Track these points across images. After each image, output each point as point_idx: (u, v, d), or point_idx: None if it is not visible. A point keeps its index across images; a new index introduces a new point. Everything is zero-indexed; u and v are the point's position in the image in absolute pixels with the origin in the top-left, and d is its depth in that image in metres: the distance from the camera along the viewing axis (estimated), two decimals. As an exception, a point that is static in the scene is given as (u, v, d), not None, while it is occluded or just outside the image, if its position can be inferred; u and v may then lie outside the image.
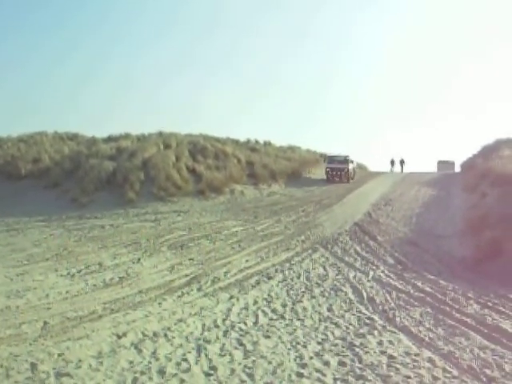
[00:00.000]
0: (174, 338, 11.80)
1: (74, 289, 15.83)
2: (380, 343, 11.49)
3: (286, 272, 18.15)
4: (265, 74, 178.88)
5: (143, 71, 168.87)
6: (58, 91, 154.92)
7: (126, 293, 15.53)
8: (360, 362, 10.44)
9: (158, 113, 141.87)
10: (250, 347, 11.28)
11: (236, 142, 50.80)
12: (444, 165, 68.49)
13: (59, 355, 10.55)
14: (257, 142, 54.02)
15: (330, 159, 49.47)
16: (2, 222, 30.32)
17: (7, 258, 20.35)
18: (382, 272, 17.96)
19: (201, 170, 39.24)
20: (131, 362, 10.33)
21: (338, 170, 47.41)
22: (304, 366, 10.30)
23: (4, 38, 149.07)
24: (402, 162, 65.68)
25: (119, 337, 11.75)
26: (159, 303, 14.52)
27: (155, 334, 11.97)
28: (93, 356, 10.60)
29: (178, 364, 10.28)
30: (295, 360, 10.59)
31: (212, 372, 9.96)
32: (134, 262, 19.36)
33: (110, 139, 47.24)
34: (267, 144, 54.29)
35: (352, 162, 49.98)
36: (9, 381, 9.36)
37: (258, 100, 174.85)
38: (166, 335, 11.93)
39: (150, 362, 10.34)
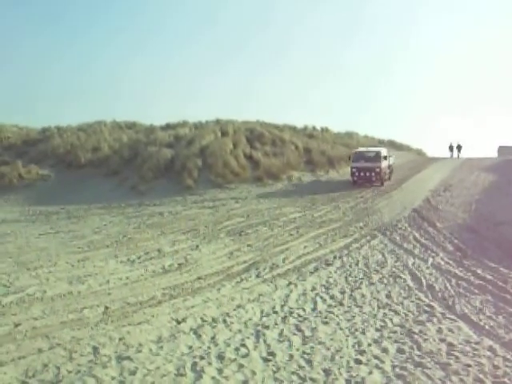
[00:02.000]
0: (232, 323, 11.83)
1: (134, 275, 15.99)
2: (439, 331, 11.30)
3: (345, 258, 17.98)
4: (321, 61, 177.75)
5: (200, 58, 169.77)
6: (119, 81, 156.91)
7: (185, 279, 15.62)
8: (419, 350, 10.29)
9: (215, 100, 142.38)
10: (308, 333, 11.23)
11: (293, 129, 50.58)
12: (505, 150, 66.78)
13: (120, 339, 10.69)
14: (314, 128, 53.70)
15: (357, 156, 38.09)
16: (63, 209, 30.91)
17: (68, 244, 20.70)
18: (442, 259, 17.62)
19: (258, 157, 39.18)
20: (190, 347, 10.40)
21: (367, 170, 36.55)
22: (362, 352, 10.21)
23: (76, 36, 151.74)
24: (459, 148, 64.25)
25: (178, 322, 11.86)
26: (218, 289, 14.57)
27: (214, 320, 12.03)
28: (153, 341, 10.71)
29: (237, 349, 10.31)
30: (353, 347, 10.51)
31: (270, 358, 9.95)
32: (192, 249, 19.45)
33: (167, 127, 47.59)
34: (324, 130, 53.92)
35: (387, 157, 38.23)
36: (72, 363, 9.53)
37: (316, 87, 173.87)
38: (224, 321, 11.98)
39: (209, 347, 10.38)
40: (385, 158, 37.56)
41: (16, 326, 11.57)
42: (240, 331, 11.32)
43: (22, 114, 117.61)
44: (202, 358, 9.85)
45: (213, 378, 9.05)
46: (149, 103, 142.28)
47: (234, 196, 33.02)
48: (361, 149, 40.99)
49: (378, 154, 37.51)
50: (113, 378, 8.91)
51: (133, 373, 9.14)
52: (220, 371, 9.30)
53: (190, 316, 12.23)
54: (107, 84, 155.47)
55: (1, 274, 16.01)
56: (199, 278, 15.67)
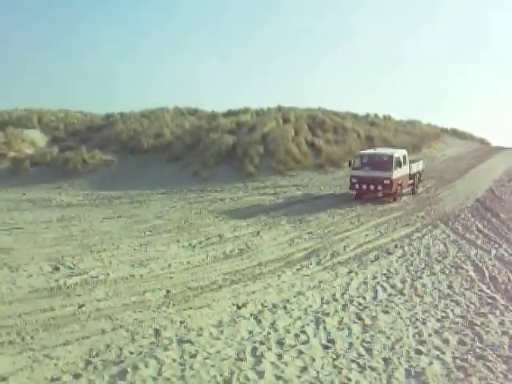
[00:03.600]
0: (292, 310, 11.82)
1: (195, 259, 16.14)
2: (502, 323, 11.07)
3: (406, 248, 17.75)
4: (383, 50, 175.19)
5: (262, 45, 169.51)
6: (178, 67, 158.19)
7: (246, 264, 15.69)
8: (481, 342, 10.10)
9: (277, 87, 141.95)
10: (368, 322, 11.16)
11: (355, 117, 50.03)
12: None
13: (181, 323, 10.81)
14: (376, 116, 53.02)
15: (361, 160, 28.38)
16: (126, 194, 31.39)
17: (131, 229, 21.01)
18: (505, 250, 17.21)
19: (320, 145, 38.93)
20: (250, 332, 10.44)
21: (372, 182, 26.78)
22: (423, 342, 10.09)
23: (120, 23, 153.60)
24: None
25: (239, 307, 11.92)
26: (278, 275, 14.58)
27: (274, 306, 12.04)
28: (213, 325, 10.79)
29: (297, 336, 10.30)
30: (414, 336, 10.39)
31: (330, 345, 9.93)
32: (253, 235, 19.50)
33: (229, 114, 47.70)
34: (387, 118, 53.18)
35: (405, 163, 28.03)
36: (134, 345, 9.68)
37: (378, 75, 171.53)
38: (285, 307, 11.98)
39: (269, 333, 10.40)
40: (400, 163, 27.30)
41: (80, 306, 11.84)
42: (300, 318, 11.31)
43: (87, 100, 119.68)
44: (261, 343, 9.88)
45: (272, 363, 9.07)
46: (210, 90, 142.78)
47: (296, 183, 32.91)
48: (368, 151, 30.49)
49: (390, 158, 27.03)
50: (174, 361, 9.01)
51: (193, 356, 9.23)
52: (279, 357, 9.32)
53: (251, 301, 12.28)
54: (168, 71, 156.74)
55: (66, 256, 16.37)
56: (260, 264, 15.72)
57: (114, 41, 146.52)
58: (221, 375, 8.50)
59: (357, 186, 27.08)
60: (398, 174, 26.87)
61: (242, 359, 9.15)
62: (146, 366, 8.72)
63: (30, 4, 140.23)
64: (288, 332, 10.49)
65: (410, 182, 29.00)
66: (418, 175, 29.82)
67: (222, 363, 8.94)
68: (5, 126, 45.72)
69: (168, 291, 12.99)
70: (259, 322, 11.05)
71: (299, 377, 8.61)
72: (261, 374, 8.62)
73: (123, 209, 26.30)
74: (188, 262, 15.81)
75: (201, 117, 48.23)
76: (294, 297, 12.76)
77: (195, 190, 32.09)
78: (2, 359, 8.89)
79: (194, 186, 33.26)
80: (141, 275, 14.47)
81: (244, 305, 12.05)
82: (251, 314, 11.48)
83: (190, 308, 11.75)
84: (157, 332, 10.31)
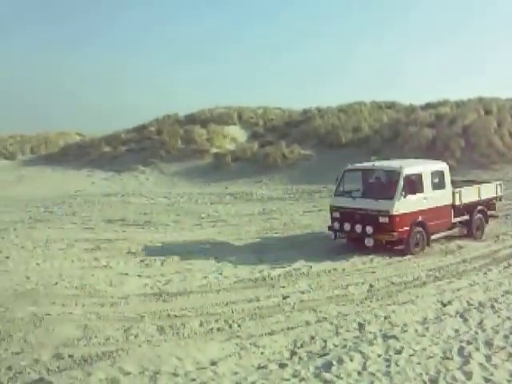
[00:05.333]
0: (501, 309, 11.27)
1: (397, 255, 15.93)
2: None
3: None
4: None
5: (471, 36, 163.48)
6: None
7: (450, 261, 15.26)
8: None
9: (477, 77, 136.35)
10: None
11: None
12: None
13: (385, 318, 10.69)
14: None
15: (349, 179, 18.17)
16: (326, 188, 31.53)
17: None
18: None
19: (527, 137, 36.79)
20: (457, 331, 10.09)
21: (360, 220, 16.50)
22: None
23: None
24: None
25: (444, 304, 11.58)
26: (484, 273, 13.99)
27: (481, 304, 11.55)
28: (418, 321, 10.56)
29: (506, 337, 9.78)
30: None
31: (545, 350, 9.28)
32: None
33: (428, 106, 46.47)
34: None
35: (439, 184, 17.43)
36: (338, 338, 9.72)
37: None
38: (492, 306, 11.44)
39: (476, 333, 9.98)
40: (420, 186, 16.71)
41: (284, 298, 12.11)
42: (509, 318, 10.73)
43: (284, 96, 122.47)
44: (469, 342, 9.48)
45: (480, 364, 8.65)
46: (407, 82, 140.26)
47: (499, 177, 31.31)
48: (364, 164, 19.46)
49: (394, 176, 16.67)
50: (379, 356, 8.91)
51: (398, 352, 9.06)
52: (488, 358, 8.86)
53: (456, 299, 11.86)
54: (361, 65, 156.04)
55: (267, 248, 16.86)
56: (464, 261, 15.20)
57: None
58: (427, 373, 8.25)
59: (337, 222, 17.08)
60: (410, 204, 16.20)
61: (448, 358, 8.83)
62: (351, 360, 8.68)
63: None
64: (496, 333, 9.97)
65: (458, 219, 17.98)
66: (482, 206, 18.64)
67: (428, 361, 8.69)
68: (207, 123, 48.08)
69: (371, 285, 12.94)
70: (465, 320, 10.62)
71: (510, 381, 8.15)
72: (468, 375, 8.23)
73: (323, 202, 26.47)
74: (390, 257, 15.63)
75: (398, 110, 47.34)
76: (502, 296, 12.13)
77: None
78: (212, 345, 9.28)
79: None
80: (343, 269, 14.57)
81: (449, 302, 11.65)
82: (457, 312, 11.07)
83: (394, 303, 11.58)
84: (361, 326, 10.26)
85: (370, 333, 9.91)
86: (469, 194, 18.09)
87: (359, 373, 8.30)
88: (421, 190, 16.63)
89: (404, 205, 16.03)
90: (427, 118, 41.09)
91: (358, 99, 51.43)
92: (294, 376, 8.11)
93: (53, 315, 10.20)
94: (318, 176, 35.31)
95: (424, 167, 17.53)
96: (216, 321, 10.63)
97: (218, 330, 10.18)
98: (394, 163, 18.27)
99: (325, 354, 8.97)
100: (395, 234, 15.89)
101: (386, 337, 9.70)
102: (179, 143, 45.36)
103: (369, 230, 16.08)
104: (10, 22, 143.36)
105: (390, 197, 16.04)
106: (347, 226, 16.58)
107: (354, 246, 16.91)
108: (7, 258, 15.35)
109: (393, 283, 13.15)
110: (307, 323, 10.48)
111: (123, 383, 7.39)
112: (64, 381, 7.31)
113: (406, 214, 16.08)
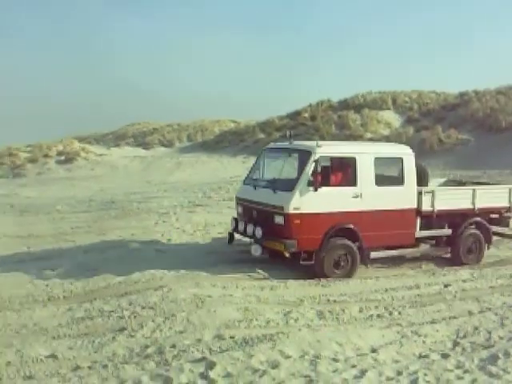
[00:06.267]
0: None
1: None
2: None
3: None
4: None
5: None
6: None
7: None
8: None
9: None
10: None
11: None
12: None
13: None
14: None
15: (264, 161, 13.48)
16: (484, 174, 30.51)
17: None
18: None
19: None
20: None
21: (257, 217, 12.44)
22: None
23: None
24: None
25: None
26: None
27: None
28: None
29: None
30: None
31: None
32: None
33: None
34: None
35: (402, 178, 12.64)
36: (503, 329, 9.33)
37: None
38: None
39: None
40: (339, 174, 12.21)
41: (445, 286, 11.84)
42: None
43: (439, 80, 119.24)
44: None
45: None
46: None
47: None
48: (283, 143, 14.02)
49: (304, 158, 11.98)
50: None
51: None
52: None
53: None
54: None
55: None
56: None
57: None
58: None
59: (233, 222, 13.26)
60: (327, 202, 11.70)
61: None
62: (517, 353, 8.35)
63: None
64: None
65: (428, 232, 13.43)
66: (480, 218, 13.93)
67: None
68: (361, 108, 48.05)
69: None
70: None
71: None
72: None
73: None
74: None
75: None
76: None
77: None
78: (372, 331, 9.22)
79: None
80: (508, 258, 14.10)
81: None
82: None
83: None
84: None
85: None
86: (451, 198, 13.45)
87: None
88: (352, 183, 12.03)
89: (313, 201, 11.52)
90: None
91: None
92: (458, 367, 7.85)
93: (214, 297, 10.47)
94: (477, 161, 34.26)
95: (362, 149, 12.73)
96: (376, 307, 10.54)
97: (378, 316, 10.09)
98: (308, 144, 13.18)
99: (489, 346, 8.64)
100: (291, 242, 11.41)
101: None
102: (333, 129, 45.47)
103: (258, 232, 11.91)
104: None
105: (290, 188, 11.70)
106: (241, 226, 12.70)
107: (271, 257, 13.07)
108: (169, 240, 15.95)
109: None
110: (470, 313, 10.16)
111: (283, 366, 7.47)
112: (226, 361, 7.49)
113: (315, 214, 11.57)
